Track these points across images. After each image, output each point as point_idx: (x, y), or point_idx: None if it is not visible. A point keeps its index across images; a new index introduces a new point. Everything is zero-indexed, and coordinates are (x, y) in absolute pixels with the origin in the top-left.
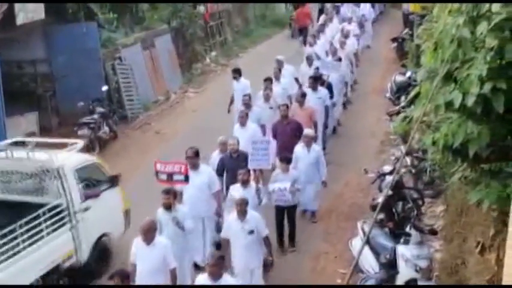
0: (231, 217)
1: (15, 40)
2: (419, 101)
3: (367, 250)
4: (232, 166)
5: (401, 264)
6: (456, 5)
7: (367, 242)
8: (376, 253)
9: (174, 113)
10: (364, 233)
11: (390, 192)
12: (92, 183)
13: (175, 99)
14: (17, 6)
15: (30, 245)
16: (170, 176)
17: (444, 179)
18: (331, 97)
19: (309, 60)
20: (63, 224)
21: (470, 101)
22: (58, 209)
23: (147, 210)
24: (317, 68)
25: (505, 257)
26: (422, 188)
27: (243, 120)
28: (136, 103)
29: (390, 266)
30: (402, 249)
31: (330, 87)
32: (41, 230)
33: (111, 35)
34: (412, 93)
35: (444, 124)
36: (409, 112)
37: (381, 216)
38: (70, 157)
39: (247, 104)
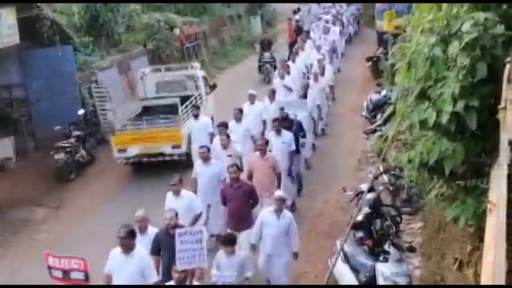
0: None
1: None
2: (394, 119)
3: (346, 269)
4: (170, 245)
5: (380, 281)
6: (428, 25)
7: (347, 260)
8: (356, 271)
9: None
10: (343, 251)
11: (369, 210)
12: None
13: None
14: None
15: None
16: (67, 273)
17: (421, 196)
18: (303, 136)
19: (272, 94)
20: (202, 104)
21: (444, 119)
22: (200, 96)
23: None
24: (282, 108)
25: (482, 272)
26: (400, 205)
27: (176, 188)
28: None
29: (370, 284)
30: (381, 267)
31: (300, 126)
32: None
33: (87, 58)
34: (387, 112)
35: (419, 142)
36: (385, 130)
37: (360, 234)
38: (198, 70)
39: (206, 157)
